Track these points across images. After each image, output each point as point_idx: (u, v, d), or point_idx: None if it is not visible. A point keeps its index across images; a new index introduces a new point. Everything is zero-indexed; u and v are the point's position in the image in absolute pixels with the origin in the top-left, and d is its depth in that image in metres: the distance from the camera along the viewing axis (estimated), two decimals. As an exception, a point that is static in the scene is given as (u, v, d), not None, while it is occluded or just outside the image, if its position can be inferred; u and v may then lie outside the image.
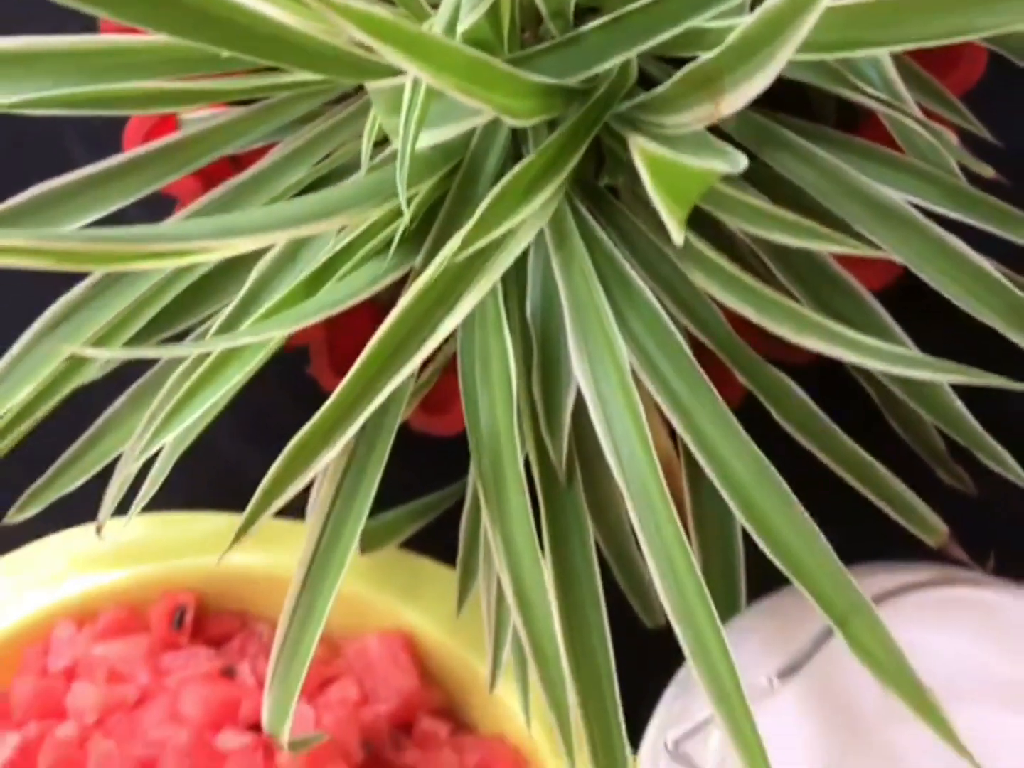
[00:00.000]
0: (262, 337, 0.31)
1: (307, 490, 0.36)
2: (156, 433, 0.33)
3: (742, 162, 0.26)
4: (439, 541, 0.42)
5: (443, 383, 0.40)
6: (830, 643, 0.31)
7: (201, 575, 0.41)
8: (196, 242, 0.29)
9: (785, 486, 0.30)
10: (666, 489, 0.31)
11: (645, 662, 0.35)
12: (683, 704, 0.32)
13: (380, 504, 0.40)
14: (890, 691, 0.30)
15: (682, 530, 0.30)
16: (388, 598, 0.41)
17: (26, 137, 0.48)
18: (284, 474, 0.30)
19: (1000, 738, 0.33)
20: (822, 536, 0.30)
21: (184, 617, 0.41)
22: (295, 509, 0.36)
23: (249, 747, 0.37)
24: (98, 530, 0.38)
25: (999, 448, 0.35)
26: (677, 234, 0.26)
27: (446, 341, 0.33)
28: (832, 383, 0.38)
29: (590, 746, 0.34)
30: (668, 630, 0.33)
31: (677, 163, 0.27)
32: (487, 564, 0.35)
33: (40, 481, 0.40)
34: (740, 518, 0.30)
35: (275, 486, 0.30)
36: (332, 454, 0.30)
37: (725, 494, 0.31)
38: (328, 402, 0.29)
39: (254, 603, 0.42)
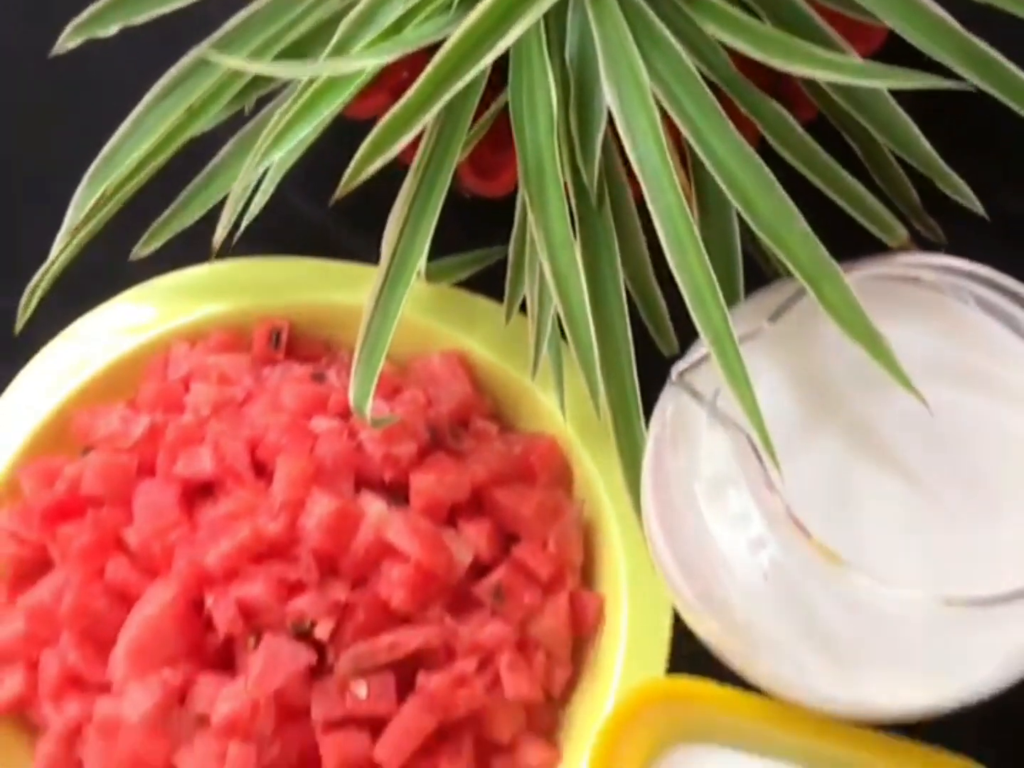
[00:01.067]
0: (363, 63, 0.38)
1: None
2: (266, 152, 0.41)
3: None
4: (489, 288, 0.49)
5: (493, 152, 0.48)
6: (804, 309, 0.39)
7: (293, 308, 0.49)
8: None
9: (771, 177, 0.38)
10: (681, 193, 0.39)
11: (661, 385, 0.42)
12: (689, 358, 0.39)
13: (439, 255, 0.48)
14: (854, 343, 0.37)
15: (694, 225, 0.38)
16: (447, 326, 0.49)
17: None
18: (372, 150, 0.38)
19: (952, 416, 0.41)
20: (803, 220, 0.38)
21: (280, 337, 0.49)
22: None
23: (336, 429, 0.45)
24: (212, 253, 0.46)
25: (955, 177, 0.43)
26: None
27: (497, 100, 0.41)
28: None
29: (610, 405, 0.42)
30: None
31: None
32: (531, 270, 0.43)
33: (160, 219, 0.48)
34: (737, 206, 0.38)
35: (362, 162, 0.38)
36: (410, 136, 0.37)
37: (728, 193, 0.39)
38: (409, 92, 0.37)
39: (336, 333, 0.50)
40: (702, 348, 0.38)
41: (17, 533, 0.46)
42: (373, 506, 0.44)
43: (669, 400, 0.41)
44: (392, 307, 0.43)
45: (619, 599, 0.45)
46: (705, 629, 0.41)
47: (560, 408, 0.46)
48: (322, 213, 0.53)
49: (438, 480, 0.45)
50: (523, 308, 0.46)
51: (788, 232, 0.38)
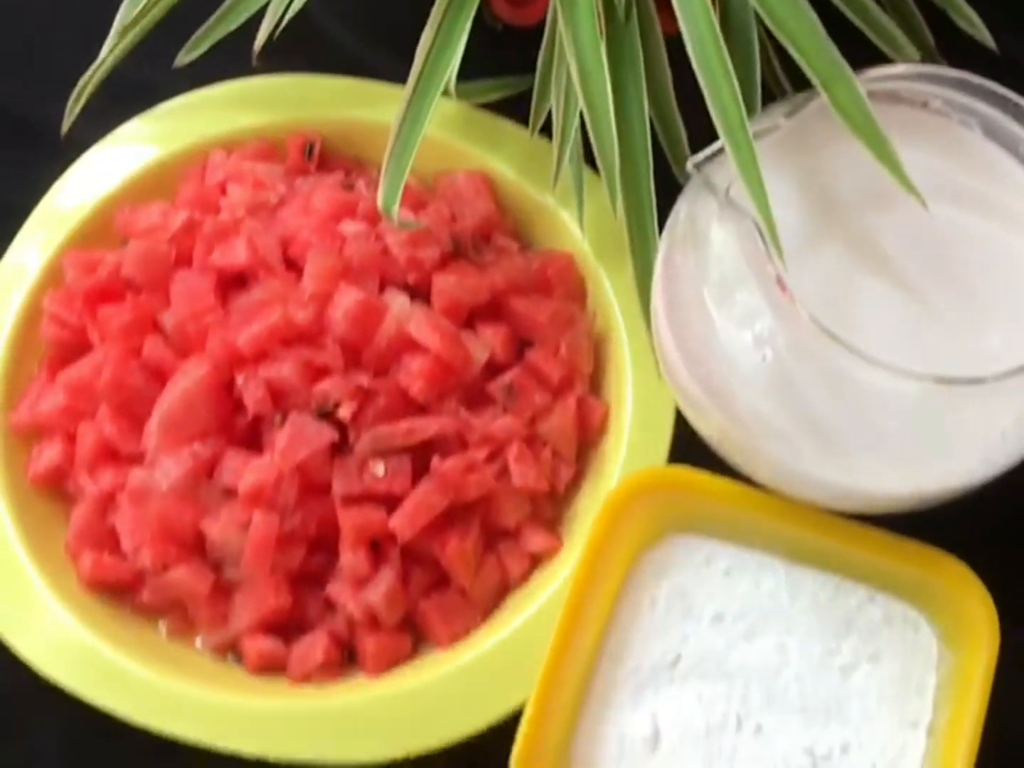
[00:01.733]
0: None
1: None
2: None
3: None
4: (516, 115, 0.52)
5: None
6: (818, 126, 0.41)
7: (325, 123, 0.52)
8: None
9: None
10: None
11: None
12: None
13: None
14: (862, 146, 0.40)
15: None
16: (473, 146, 0.51)
17: None
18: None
19: (950, 232, 0.43)
20: (819, 23, 0.40)
21: (314, 149, 0.51)
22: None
23: (364, 232, 0.48)
24: (253, 57, 0.48)
25: (969, 9, 0.45)
26: None
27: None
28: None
29: (626, 212, 0.45)
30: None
31: None
32: (557, 82, 0.45)
33: (202, 28, 0.51)
34: (754, 4, 0.40)
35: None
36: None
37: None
38: None
39: (365, 151, 0.52)
40: (717, 143, 0.40)
41: (59, 315, 0.48)
42: (397, 300, 0.46)
43: (683, 204, 0.43)
44: (421, 113, 0.45)
45: (624, 407, 0.48)
46: (707, 423, 0.44)
47: (579, 225, 0.48)
48: (354, 37, 0.56)
49: (459, 282, 0.47)
50: (547, 132, 0.48)
51: (804, 33, 0.40)
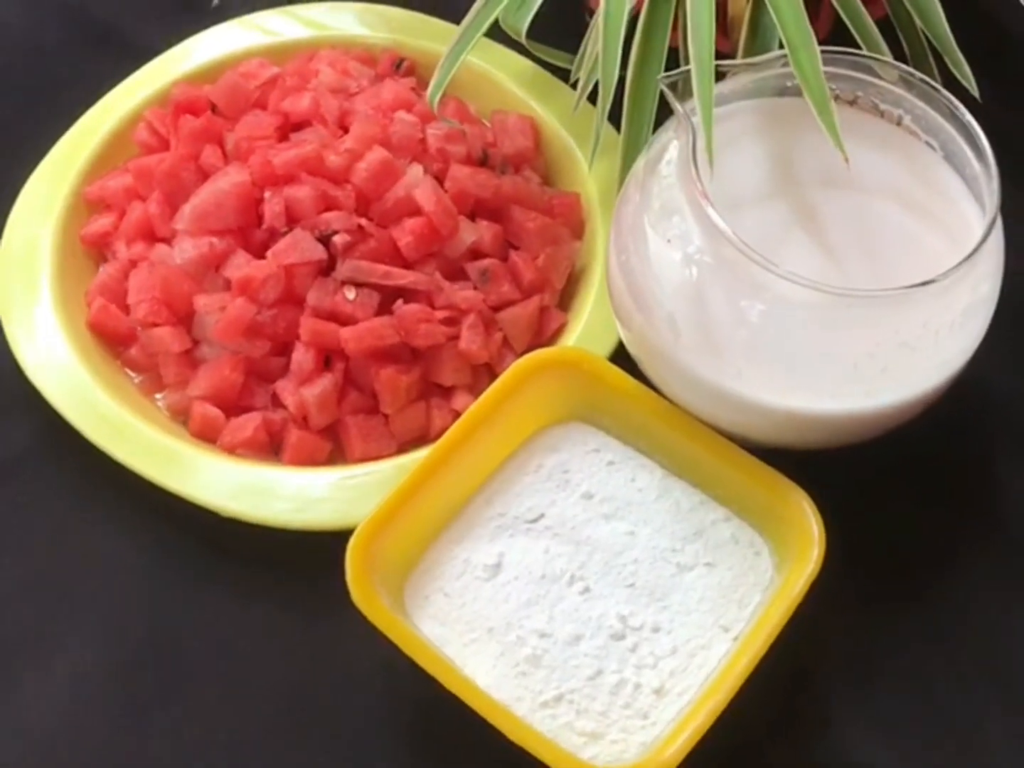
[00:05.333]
0: None
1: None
2: None
3: None
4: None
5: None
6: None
7: (417, 53, 0.61)
8: None
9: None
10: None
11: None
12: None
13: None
14: (812, 109, 0.46)
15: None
16: (528, 95, 0.59)
17: None
18: None
19: (882, 221, 0.48)
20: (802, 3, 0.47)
21: (403, 63, 0.60)
22: None
23: (411, 122, 0.56)
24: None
25: (960, 55, 0.51)
26: None
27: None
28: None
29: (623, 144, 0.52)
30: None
31: None
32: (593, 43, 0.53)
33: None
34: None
35: None
36: None
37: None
38: None
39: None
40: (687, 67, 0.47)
41: (152, 123, 0.58)
42: (412, 170, 0.54)
43: (655, 138, 0.50)
44: (479, 23, 0.54)
45: (577, 327, 0.54)
46: (632, 332, 0.49)
47: (588, 167, 0.56)
48: None
49: (471, 175, 0.55)
50: (592, 100, 0.56)
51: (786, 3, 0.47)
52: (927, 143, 0.50)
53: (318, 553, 0.48)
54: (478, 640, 0.46)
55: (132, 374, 0.54)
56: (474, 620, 0.46)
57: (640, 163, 0.49)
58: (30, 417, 0.54)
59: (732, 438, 0.48)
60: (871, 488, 0.52)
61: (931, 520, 0.52)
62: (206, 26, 0.62)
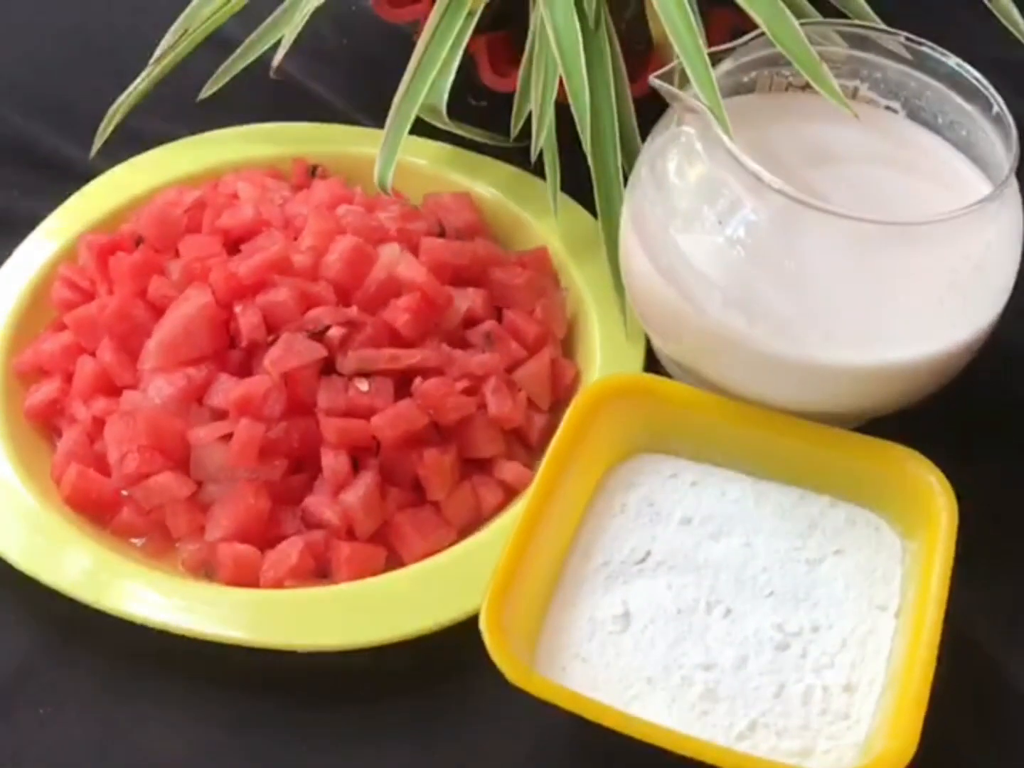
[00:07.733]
0: None
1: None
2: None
3: None
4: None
5: (507, 56, 0.58)
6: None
7: (327, 159, 0.58)
8: None
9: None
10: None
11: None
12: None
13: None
14: (800, 69, 0.46)
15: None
16: (457, 175, 0.57)
17: None
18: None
19: (879, 187, 0.48)
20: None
21: (316, 170, 0.57)
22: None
23: (359, 212, 0.53)
24: (273, 71, 0.55)
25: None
26: None
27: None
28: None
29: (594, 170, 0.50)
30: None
31: None
32: (537, 68, 0.52)
33: (221, 68, 0.58)
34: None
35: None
36: None
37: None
38: None
39: (353, 180, 0.57)
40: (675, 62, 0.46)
41: (70, 279, 0.52)
42: (388, 248, 0.50)
43: (654, 134, 0.49)
44: (416, 93, 0.52)
45: (593, 372, 0.51)
46: (687, 338, 0.47)
47: (553, 213, 0.54)
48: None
49: (445, 245, 0.52)
50: (526, 165, 0.54)
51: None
52: (887, 107, 0.51)
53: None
54: (640, 695, 0.41)
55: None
56: (628, 675, 0.42)
57: (641, 171, 0.48)
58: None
59: (816, 419, 0.46)
60: (969, 443, 0.50)
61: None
62: (78, 186, 0.57)
